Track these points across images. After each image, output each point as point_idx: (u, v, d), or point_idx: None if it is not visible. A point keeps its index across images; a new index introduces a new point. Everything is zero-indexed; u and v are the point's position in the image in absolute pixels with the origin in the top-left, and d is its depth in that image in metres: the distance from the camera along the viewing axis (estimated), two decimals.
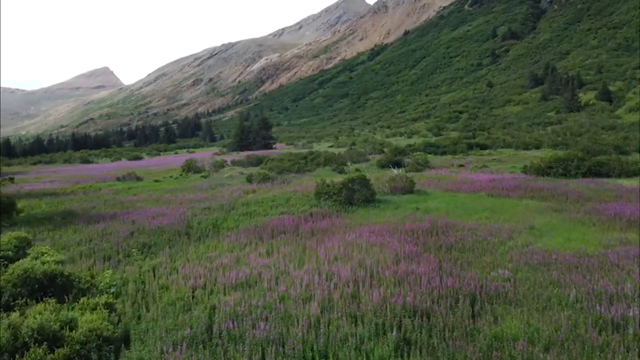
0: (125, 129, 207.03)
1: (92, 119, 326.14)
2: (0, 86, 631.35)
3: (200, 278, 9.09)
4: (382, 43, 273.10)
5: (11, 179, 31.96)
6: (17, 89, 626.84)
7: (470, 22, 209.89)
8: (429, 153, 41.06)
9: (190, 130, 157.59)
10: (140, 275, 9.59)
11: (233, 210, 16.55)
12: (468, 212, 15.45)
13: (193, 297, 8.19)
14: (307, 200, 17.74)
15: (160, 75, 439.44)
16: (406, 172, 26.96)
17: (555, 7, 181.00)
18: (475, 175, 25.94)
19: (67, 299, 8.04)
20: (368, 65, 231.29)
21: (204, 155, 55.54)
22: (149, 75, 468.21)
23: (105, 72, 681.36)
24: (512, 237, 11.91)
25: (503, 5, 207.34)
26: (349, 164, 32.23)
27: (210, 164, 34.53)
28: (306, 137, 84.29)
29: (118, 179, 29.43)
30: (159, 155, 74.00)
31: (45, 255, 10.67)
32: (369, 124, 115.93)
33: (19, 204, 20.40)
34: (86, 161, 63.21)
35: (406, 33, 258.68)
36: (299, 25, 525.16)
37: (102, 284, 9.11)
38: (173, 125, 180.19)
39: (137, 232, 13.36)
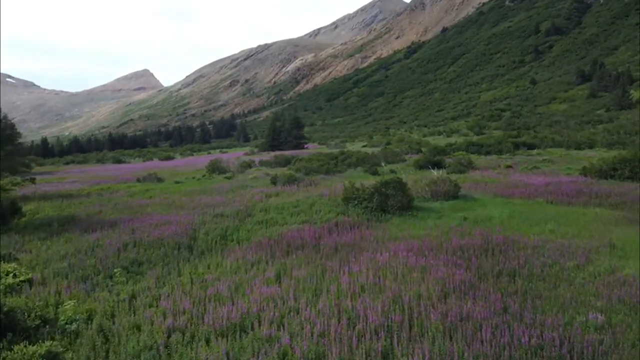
0: (163, 129, 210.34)
1: (132, 119, 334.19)
2: (47, 88, 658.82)
3: (183, 314, 6.96)
4: (419, 41, 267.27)
5: (32, 180, 31.11)
6: (62, 91, 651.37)
7: (512, 18, 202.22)
8: (472, 153, 37.96)
9: (225, 131, 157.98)
10: (112, 306, 7.53)
11: (249, 217, 14.42)
12: (527, 223, 12.81)
13: (166, 345, 6.03)
14: (333, 206, 15.41)
15: (198, 77, 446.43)
16: (447, 173, 24.27)
17: (601, 1, 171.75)
18: (527, 177, 23.01)
19: (1, 345, 6.04)
20: (404, 64, 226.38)
21: (235, 155, 54.10)
22: (187, 76, 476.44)
23: (146, 74, 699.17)
24: (591, 260, 9.31)
25: (546, 0, 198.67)
26: (383, 164, 29.70)
27: (236, 164, 32.73)
28: (339, 137, 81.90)
29: (138, 180, 27.98)
30: (192, 155, 73.33)
31: (10, 275, 8.83)
32: (405, 123, 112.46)
33: (27, 207, 19.08)
34: (118, 161, 63.03)
35: (444, 30, 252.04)
36: (335, 25, 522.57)
37: (62, 319, 7.10)
38: (209, 126, 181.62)
39: (131, 244, 11.39)
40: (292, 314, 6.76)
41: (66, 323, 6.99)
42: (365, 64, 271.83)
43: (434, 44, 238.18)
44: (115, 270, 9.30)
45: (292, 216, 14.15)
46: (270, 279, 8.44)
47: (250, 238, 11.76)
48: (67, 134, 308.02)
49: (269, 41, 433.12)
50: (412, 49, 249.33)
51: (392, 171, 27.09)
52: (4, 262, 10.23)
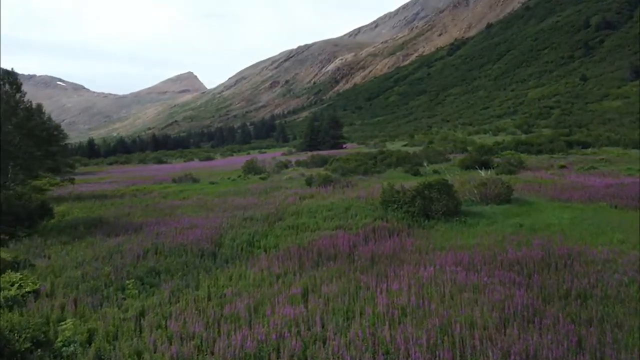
0: (205, 130, 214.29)
1: (176, 121, 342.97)
2: (95, 91, 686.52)
3: (192, 340, 5.97)
4: (463, 37, 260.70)
5: (71, 180, 31.50)
6: (110, 94, 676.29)
7: (560, 13, 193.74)
8: (521, 152, 35.69)
9: (265, 131, 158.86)
10: (117, 325, 6.64)
11: (279, 221, 13.41)
12: (592, 231, 11.19)
13: None
14: (371, 209, 14.19)
15: (240, 78, 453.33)
16: (496, 174, 22.55)
17: None
18: (584, 178, 21.02)
19: None
20: (447, 61, 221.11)
21: (273, 155, 53.61)
22: (229, 78, 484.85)
23: (190, 76, 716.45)
24: None
25: None
26: (425, 164, 28.14)
27: (272, 164, 31.97)
28: (378, 136, 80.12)
29: (174, 181, 27.65)
30: (232, 155, 73.58)
31: (15, 286, 8.14)
32: (448, 121, 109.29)
33: (60, 208, 18.89)
34: (160, 161, 63.88)
35: (489, 26, 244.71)
36: (375, 24, 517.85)
37: (59, 340, 6.27)
38: (250, 127, 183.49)
39: (152, 251, 10.60)
40: (317, 343, 5.63)
41: (63, 345, 6.15)
42: (407, 62, 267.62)
43: (478, 40, 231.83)
44: (127, 282, 8.46)
45: (326, 221, 13.02)
46: (296, 296, 7.35)
47: (278, 245, 10.72)
48: (114, 135, 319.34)
49: (309, 42, 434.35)
50: (456, 46, 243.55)
51: (435, 172, 25.53)
52: (18, 269, 9.65)
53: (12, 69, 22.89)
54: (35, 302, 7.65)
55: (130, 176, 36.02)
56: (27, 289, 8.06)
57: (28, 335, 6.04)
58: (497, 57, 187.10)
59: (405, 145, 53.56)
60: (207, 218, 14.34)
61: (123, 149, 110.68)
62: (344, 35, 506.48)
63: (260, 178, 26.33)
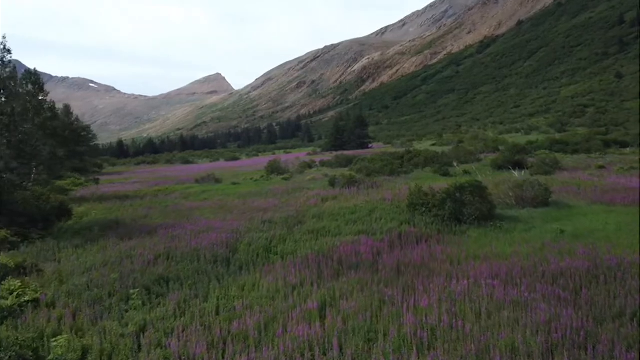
0: (232, 131, 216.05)
1: (204, 122, 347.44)
2: (126, 93, 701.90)
3: None
4: (493, 35, 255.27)
5: (96, 180, 31.61)
6: (140, 95, 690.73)
7: (593, 9, 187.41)
8: (556, 151, 34.05)
9: (291, 132, 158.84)
10: (114, 343, 6.01)
11: (299, 225, 12.68)
12: None
13: None
14: (396, 213, 13.30)
15: (267, 79, 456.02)
16: (531, 175, 21.32)
17: None
18: (626, 179, 19.60)
19: None
20: (477, 59, 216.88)
21: (298, 155, 53.04)
22: (256, 79, 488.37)
23: (218, 78, 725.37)
24: None
25: None
26: (455, 164, 26.97)
27: (296, 165, 31.32)
28: (406, 136, 78.56)
29: (197, 181, 27.32)
30: (257, 155, 73.46)
31: (13, 295, 7.64)
32: (478, 120, 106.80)
33: (80, 209, 18.69)
34: (186, 162, 64.21)
35: (519, 23, 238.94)
36: (402, 23, 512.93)
37: (49, 359, 5.69)
38: (276, 127, 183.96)
39: (164, 256, 10.02)
40: None
41: None
42: (435, 60, 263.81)
43: (508, 37, 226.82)
44: (132, 291, 7.85)
45: (348, 224, 12.22)
46: (312, 311, 6.58)
47: (296, 251, 9.97)
48: (144, 135, 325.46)
49: (336, 41, 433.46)
50: (485, 44, 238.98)
51: (466, 172, 24.39)
52: (26, 274, 9.21)
53: (34, 69, 22.85)
54: (33, 312, 7.12)
55: (155, 176, 35.99)
56: (27, 298, 7.54)
57: (14, 353, 5.47)
58: (528, 55, 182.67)
59: (433, 145, 52.15)
60: (225, 220, 13.74)
61: (151, 150, 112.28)
62: (371, 34, 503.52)
63: (283, 178, 25.69)
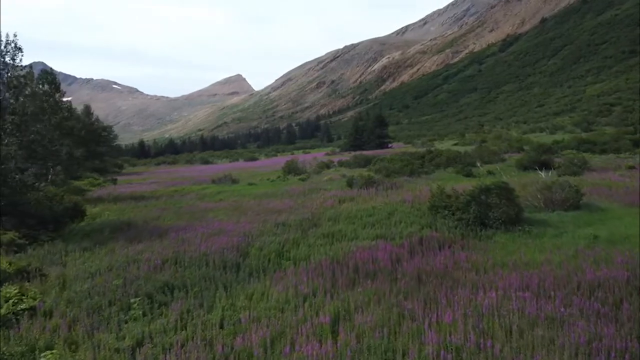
0: (252, 131, 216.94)
1: (225, 122, 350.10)
2: (149, 94, 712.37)
3: None
4: (515, 33, 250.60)
5: (114, 181, 31.59)
6: (162, 96, 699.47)
7: (619, 6, 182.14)
8: (583, 151, 32.73)
9: (310, 132, 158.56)
10: (106, 359, 5.54)
11: (314, 228, 12.11)
12: None
13: None
14: (417, 216, 12.62)
15: (286, 80, 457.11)
16: (558, 175, 20.34)
17: None
18: None
19: None
20: (499, 57, 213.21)
21: (316, 155, 52.50)
22: (276, 80, 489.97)
23: (238, 79, 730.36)
24: None
25: None
26: (478, 164, 26.05)
27: (313, 165, 30.76)
28: (427, 135, 77.26)
29: (213, 182, 27.01)
30: (276, 156, 73.19)
31: (9, 302, 7.24)
32: (501, 119, 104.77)
33: (94, 209, 18.50)
34: (206, 162, 64.32)
35: (543, 21, 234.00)
36: (423, 22, 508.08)
37: None
38: (295, 127, 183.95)
39: (171, 260, 9.56)
40: None
41: None
42: (456, 59, 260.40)
43: (532, 35, 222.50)
44: (133, 300, 7.38)
45: (365, 228, 11.59)
46: (324, 326, 5.99)
47: (309, 257, 9.39)
48: (166, 136, 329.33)
49: (355, 41, 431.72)
50: (508, 42, 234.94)
51: (489, 173, 23.49)
52: (29, 279, 8.85)
53: (51, 69, 22.81)
54: (28, 322, 6.70)
55: (173, 177, 35.89)
56: (23, 306, 7.14)
57: None
58: (553, 53, 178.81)
59: (455, 145, 51.02)
60: (238, 223, 13.24)
61: (172, 150, 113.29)
62: (391, 33, 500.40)
63: (300, 179, 25.16)
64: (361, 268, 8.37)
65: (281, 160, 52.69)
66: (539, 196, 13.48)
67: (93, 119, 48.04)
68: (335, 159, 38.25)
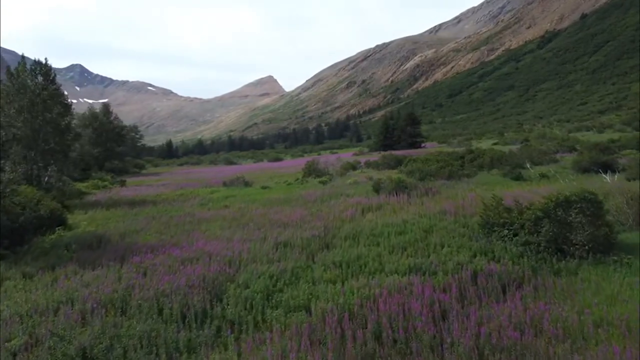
0: (281, 132, 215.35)
1: (255, 123, 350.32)
2: (182, 95, 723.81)
3: None
4: (554, 29, 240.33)
5: (122, 182, 29.38)
6: (196, 98, 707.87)
7: None
8: None
9: (339, 132, 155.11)
10: None
11: (325, 250, 9.12)
12: None
13: None
14: (464, 235, 9.43)
15: (317, 80, 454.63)
16: (627, 179, 16.75)
17: None
18: None
19: None
20: (538, 54, 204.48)
21: (343, 155, 49.40)
22: (307, 81, 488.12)
23: (270, 80, 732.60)
24: None
25: None
26: (527, 165, 22.45)
27: (337, 166, 27.72)
28: (463, 135, 72.82)
29: (224, 184, 24.36)
30: (302, 156, 70.38)
31: None
32: (541, 118, 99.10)
33: (83, 216, 16.08)
34: (230, 162, 62.25)
35: (583, 17, 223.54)
36: (457, 20, 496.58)
37: None
38: (324, 127, 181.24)
39: (116, 302, 6.75)
40: None
41: None
42: (492, 57, 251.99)
43: (571, 32, 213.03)
44: None
45: (394, 253, 8.48)
46: None
47: (309, 305, 6.37)
48: (199, 137, 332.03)
49: (387, 40, 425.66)
50: (546, 39, 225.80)
51: (542, 176, 19.90)
52: None
53: (45, 59, 20.51)
54: None
55: (188, 178, 33.52)
56: None
57: None
58: (594, 49, 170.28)
59: (495, 144, 46.93)
60: (230, 241, 10.36)
61: (200, 150, 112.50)
62: (424, 32, 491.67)
63: (320, 182, 22.16)
64: (386, 331, 5.31)
65: (306, 160, 49.84)
66: (627, 210, 10.05)
67: (112, 118, 46.38)
68: (363, 159, 34.99)
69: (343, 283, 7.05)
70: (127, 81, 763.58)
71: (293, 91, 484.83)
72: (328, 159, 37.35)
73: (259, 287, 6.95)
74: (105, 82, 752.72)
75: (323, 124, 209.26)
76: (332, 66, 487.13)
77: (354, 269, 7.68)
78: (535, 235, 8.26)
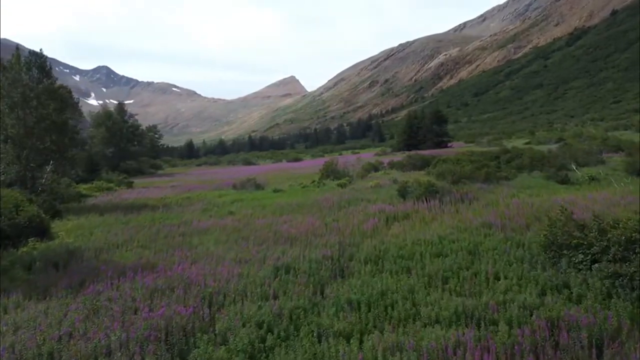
0: (303, 132, 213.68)
1: (277, 124, 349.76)
2: (206, 96, 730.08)
3: None
4: (584, 26, 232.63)
5: (129, 184, 27.77)
6: (219, 99, 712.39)
7: None
8: None
9: (361, 131, 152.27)
10: None
11: (338, 278, 6.97)
12: None
13: None
14: (521, 259, 7.15)
15: (339, 80, 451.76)
16: None
17: None
18: None
19: None
20: (567, 52, 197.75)
21: (365, 156, 47.12)
22: (329, 80, 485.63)
23: (292, 80, 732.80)
24: None
25: None
26: (573, 167, 19.85)
27: (358, 167, 25.52)
28: (490, 134, 69.56)
29: (234, 187, 22.43)
30: (322, 156, 68.24)
31: None
32: (572, 116, 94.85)
33: (73, 223, 14.35)
34: (248, 163, 60.58)
35: (614, 13, 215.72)
36: (482, 18, 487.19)
37: None
38: (346, 127, 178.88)
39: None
40: None
41: None
42: (519, 55, 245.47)
43: (602, 28, 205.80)
44: None
45: (431, 285, 6.29)
46: None
47: None
48: (222, 137, 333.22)
49: (410, 39, 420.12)
50: (576, 35, 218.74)
51: (592, 179, 17.34)
52: None
53: (40, 50, 18.89)
54: None
55: (201, 179, 31.77)
56: None
57: None
58: (626, 46, 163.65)
59: (527, 143, 43.97)
60: (223, 261, 8.34)
61: (221, 151, 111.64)
62: (448, 30, 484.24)
63: (339, 184, 19.98)
64: None
65: (325, 161, 47.70)
66: None
67: (126, 117, 45.10)
68: (386, 159, 32.61)
69: (361, 339, 4.91)
70: (152, 82, 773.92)
71: (315, 91, 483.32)
72: (348, 159, 35.17)
73: (240, 344, 4.85)
74: (131, 83, 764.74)
75: (345, 124, 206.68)
76: (354, 66, 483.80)
77: (377, 313, 5.51)
78: (626, 264, 5.97)
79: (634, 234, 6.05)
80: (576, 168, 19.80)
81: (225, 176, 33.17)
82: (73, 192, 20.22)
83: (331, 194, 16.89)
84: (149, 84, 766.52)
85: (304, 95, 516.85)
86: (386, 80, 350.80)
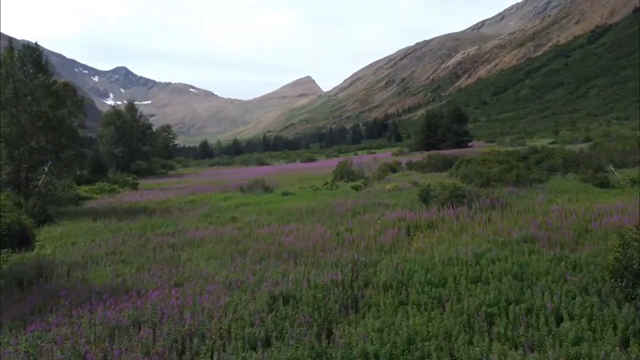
0: (318, 132, 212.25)
1: (292, 124, 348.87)
2: (223, 97, 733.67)
3: None
4: (605, 24, 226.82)
5: (134, 185, 26.65)
6: (236, 99, 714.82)
7: None
8: None
9: (377, 131, 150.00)
10: None
11: (347, 314, 5.49)
12: None
13: None
14: (585, 289, 5.55)
15: (355, 80, 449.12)
16: None
17: None
18: None
19: None
20: (588, 50, 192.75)
21: (382, 156, 45.47)
22: (345, 80, 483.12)
23: (307, 80, 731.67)
24: None
25: None
26: (612, 168, 18.03)
27: (374, 167, 23.95)
28: (511, 133, 67.17)
29: (241, 189, 21.07)
30: (337, 156, 66.68)
31: None
32: (595, 115, 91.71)
33: (62, 229, 13.16)
34: (261, 163, 59.34)
35: (636, 10, 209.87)
36: (501, 16, 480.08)
37: None
38: (362, 127, 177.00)
39: None
40: None
41: None
42: (539, 53, 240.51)
43: (624, 26, 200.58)
44: None
45: (473, 327, 4.76)
46: None
47: None
48: (237, 137, 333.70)
49: (427, 38, 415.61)
50: (597, 33, 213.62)
51: (634, 181, 15.55)
52: None
53: (35, 43, 17.74)
54: None
55: (208, 181, 30.52)
56: None
57: None
58: None
59: (552, 143, 41.85)
60: (210, 283, 6.92)
61: (236, 151, 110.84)
62: (466, 29, 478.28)
63: (353, 187, 18.46)
64: None
65: (339, 161, 46.18)
66: None
67: (137, 115, 44.17)
68: (404, 160, 30.88)
69: None
70: (170, 83, 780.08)
71: (330, 91, 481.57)
72: (363, 159, 33.57)
73: None
74: (148, 84, 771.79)
75: (360, 124, 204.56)
76: (370, 65, 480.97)
77: None
78: None
79: None
80: (614, 170, 17.97)
81: (236, 177, 31.89)
82: (71, 195, 19.07)
83: (344, 198, 15.37)
84: (167, 84, 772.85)
85: (319, 95, 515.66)
86: (403, 80, 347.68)
